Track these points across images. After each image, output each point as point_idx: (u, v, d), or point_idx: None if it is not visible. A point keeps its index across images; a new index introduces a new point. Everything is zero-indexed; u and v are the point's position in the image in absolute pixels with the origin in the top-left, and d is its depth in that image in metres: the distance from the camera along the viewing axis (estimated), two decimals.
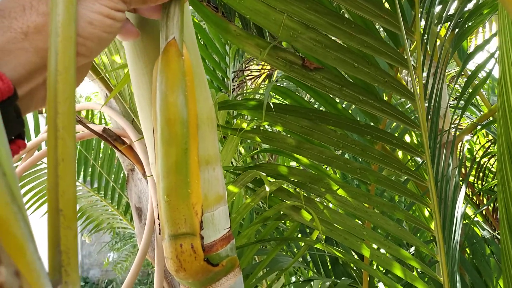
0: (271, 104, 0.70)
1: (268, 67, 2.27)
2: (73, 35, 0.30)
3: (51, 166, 0.29)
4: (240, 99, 1.68)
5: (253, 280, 0.96)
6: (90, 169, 2.10)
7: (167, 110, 0.46)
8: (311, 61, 0.68)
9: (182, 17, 0.47)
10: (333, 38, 0.68)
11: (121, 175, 2.14)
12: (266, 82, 2.34)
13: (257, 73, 2.23)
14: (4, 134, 0.24)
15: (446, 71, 2.03)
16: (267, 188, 0.65)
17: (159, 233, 0.84)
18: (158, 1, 0.43)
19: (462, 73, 1.54)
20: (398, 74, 1.21)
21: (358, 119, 1.23)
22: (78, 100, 7.64)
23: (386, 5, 0.76)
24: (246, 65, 2.09)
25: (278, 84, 1.85)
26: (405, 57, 0.70)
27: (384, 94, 1.27)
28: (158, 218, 0.52)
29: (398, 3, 0.67)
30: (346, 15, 0.80)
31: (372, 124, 0.92)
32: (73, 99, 0.30)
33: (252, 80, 2.27)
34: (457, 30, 1.00)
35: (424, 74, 0.95)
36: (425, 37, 0.78)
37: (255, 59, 2.23)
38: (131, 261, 5.56)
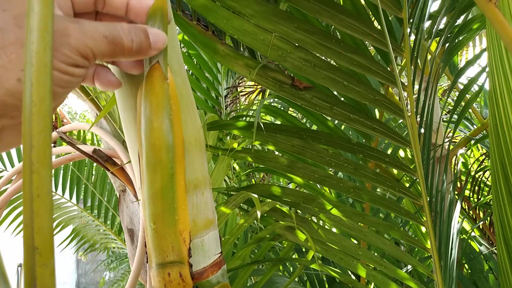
0: (261, 124, 0.70)
1: None
2: (48, 64, 0.29)
3: (26, 201, 0.28)
4: (233, 115, 1.68)
5: None
6: (83, 189, 2.08)
7: (151, 136, 0.45)
8: (300, 80, 0.67)
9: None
10: (322, 57, 0.67)
11: (114, 195, 2.12)
12: (260, 98, 2.34)
13: (251, 89, 2.23)
14: None
15: (438, 85, 2.04)
16: (259, 213, 0.64)
17: (147, 262, 0.82)
18: (129, 57, 0.39)
19: (454, 87, 1.55)
20: (391, 89, 1.21)
21: (351, 137, 1.22)
22: (72, 116, 7.63)
23: (376, 23, 0.77)
24: (240, 81, 2.09)
25: (271, 101, 1.85)
26: (394, 74, 0.70)
27: (376, 111, 1.26)
28: (145, 246, 0.51)
29: (385, 21, 0.67)
30: (339, 35, 0.80)
31: (364, 142, 0.92)
32: (49, 132, 0.29)
33: (246, 96, 2.27)
34: (447, 45, 1.00)
35: (416, 88, 0.95)
36: (414, 54, 0.78)
37: None
38: (127, 281, 5.47)
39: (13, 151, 2.07)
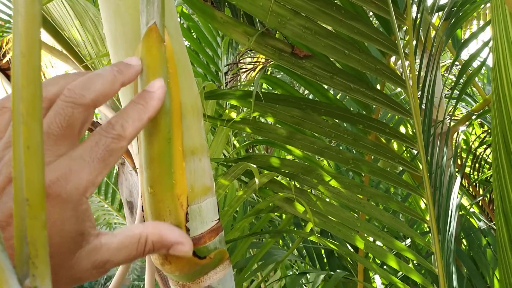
0: (261, 94, 0.69)
1: (262, 60, 2.25)
2: (37, 14, 0.28)
3: (16, 154, 0.27)
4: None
5: (247, 273, 0.95)
6: None
7: None
8: (300, 48, 0.66)
9: (163, 1, 0.45)
10: (323, 24, 0.66)
11: (115, 170, 2.12)
12: None
13: (251, 66, 2.21)
14: None
15: (441, 62, 2.02)
16: (257, 181, 0.64)
17: None
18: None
19: (457, 63, 1.53)
20: (392, 64, 1.19)
21: (352, 109, 1.21)
22: None
23: None
24: (240, 58, 2.07)
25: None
26: (396, 43, 0.69)
27: (378, 85, 1.25)
28: (142, 210, 0.51)
29: None
30: (339, 2, 0.78)
31: (364, 113, 0.91)
32: (38, 83, 0.28)
33: (247, 73, 2.25)
34: (450, 18, 0.98)
35: (418, 63, 0.94)
36: (417, 23, 0.77)
37: (249, 52, 2.21)
38: None
39: None
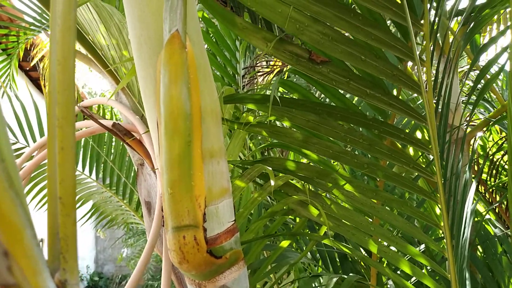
0: (278, 98, 0.70)
1: (279, 64, 2.26)
2: (72, 25, 0.30)
3: (50, 155, 0.29)
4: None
5: (260, 274, 0.96)
6: (102, 166, 2.12)
7: (170, 103, 0.46)
8: (318, 54, 0.67)
9: (185, 9, 0.47)
10: (340, 31, 0.67)
11: (132, 171, 2.16)
12: None
13: (268, 70, 2.22)
14: (4, 122, 0.24)
15: (459, 68, 2.00)
16: (273, 183, 0.65)
17: (163, 225, 0.85)
18: None
19: (475, 69, 1.52)
20: (409, 69, 1.19)
21: (367, 115, 1.21)
22: (92, 96, 7.75)
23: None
24: (257, 62, 2.08)
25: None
26: (412, 49, 0.70)
27: (394, 90, 1.26)
28: (162, 210, 0.52)
29: None
30: (357, 9, 0.79)
31: (380, 119, 0.91)
32: (72, 89, 0.30)
33: (263, 76, 2.26)
34: (468, 23, 0.98)
35: (434, 69, 0.94)
36: (434, 28, 0.77)
37: (266, 55, 2.23)
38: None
39: (35, 128, 2.11)
